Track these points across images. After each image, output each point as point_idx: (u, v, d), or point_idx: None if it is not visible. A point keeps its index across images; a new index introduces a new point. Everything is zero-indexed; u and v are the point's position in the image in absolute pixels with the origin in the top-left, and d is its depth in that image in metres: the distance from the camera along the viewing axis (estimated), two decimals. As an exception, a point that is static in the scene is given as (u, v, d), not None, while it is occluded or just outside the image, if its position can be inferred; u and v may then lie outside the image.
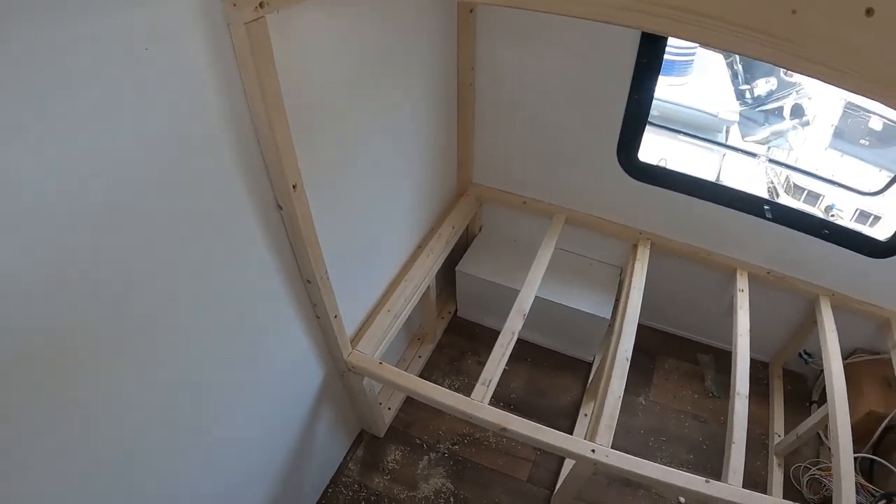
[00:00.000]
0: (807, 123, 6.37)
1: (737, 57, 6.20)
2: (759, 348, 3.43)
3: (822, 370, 2.66)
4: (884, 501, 2.57)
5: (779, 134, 6.34)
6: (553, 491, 2.85)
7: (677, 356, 3.60)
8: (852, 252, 2.77)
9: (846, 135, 6.11)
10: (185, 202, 1.36)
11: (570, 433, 2.47)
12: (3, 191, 0.94)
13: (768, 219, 2.82)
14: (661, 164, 3.57)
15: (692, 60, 5.94)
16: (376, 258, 2.55)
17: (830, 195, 5.46)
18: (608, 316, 3.09)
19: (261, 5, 1.27)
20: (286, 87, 1.45)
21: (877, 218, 5.06)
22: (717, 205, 2.85)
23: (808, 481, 2.91)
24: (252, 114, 1.44)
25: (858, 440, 2.77)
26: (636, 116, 2.68)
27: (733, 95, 6.12)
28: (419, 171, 2.71)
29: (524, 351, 3.49)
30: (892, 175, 4.86)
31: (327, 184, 1.94)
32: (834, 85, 1.11)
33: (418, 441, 3.05)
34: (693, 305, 3.47)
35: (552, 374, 3.42)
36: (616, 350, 2.53)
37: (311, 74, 1.68)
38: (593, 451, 2.14)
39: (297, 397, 2.30)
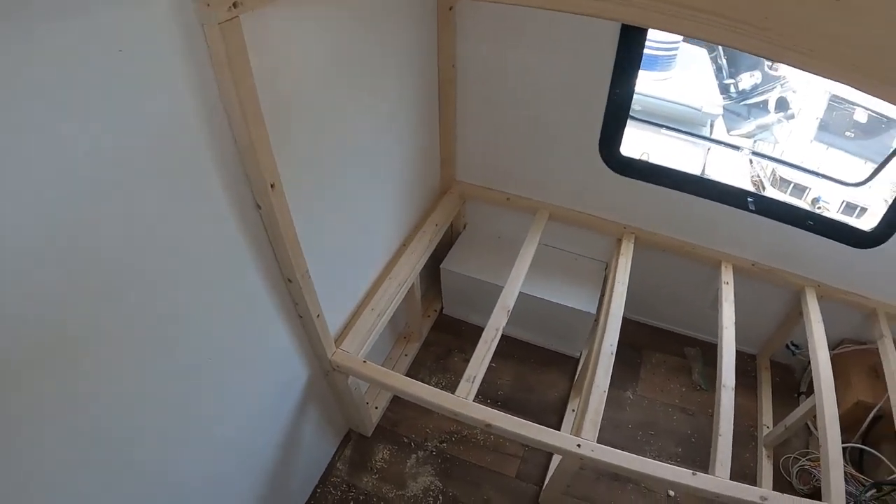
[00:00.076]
0: (792, 117, 6.40)
1: (721, 51, 6.23)
2: (746, 340, 3.44)
3: (810, 361, 2.66)
4: (873, 490, 2.58)
5: (764, 127, 6.37)
6: (542, 487, 2.85)
7: (664, 350, 3.61)
8: (837, 243, 2.78)
9: (831, 127, 6.14)
10: (162, 203, 1.35)
11: (558, 429, 2.47)
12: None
13: (752, 211, 2.82)
14: (644, 158, 3.57)
15: (675, 55, 5.96)
16: (359, 257, 2.54)
17: (817, 188, 5.48)
18: (594, 311, 3.09)
19: (234, 5, 1.26)
20: (262, 86, 1.45)
21: (863, 209, 5.09)
22: (701, 198, 2.86)
23: (797, 472, 2.92)
24: (228, 113, 1.43)
25: (847, 430, 2.78)
26: (617, 111, 2.68)
27: (717, 89, 6.15)
28: (401, 170, 2.71)
29: (511, 348, 3.48)
30: (876, 165, 4.87)
31: (307, 183, 1.93)
32: (806, 70, 1.13)
33: (406, 440, 3.05)
34: (679, 299, 3.48)
35: (539, 371, 3.42)
36: (601, 344, 2.53)
37: (287, 73, 1.67)
38: (579, 445, 2.14)
39: (282, 397, 2.29)
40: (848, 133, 6.09)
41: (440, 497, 2.83)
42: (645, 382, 3.42)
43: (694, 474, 2.10)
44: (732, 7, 1.19)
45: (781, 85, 6.45)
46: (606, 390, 2.35)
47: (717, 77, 6.32)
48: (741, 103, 6.42)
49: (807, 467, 2.89)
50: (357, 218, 2.40)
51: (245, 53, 1.35)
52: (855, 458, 2.83)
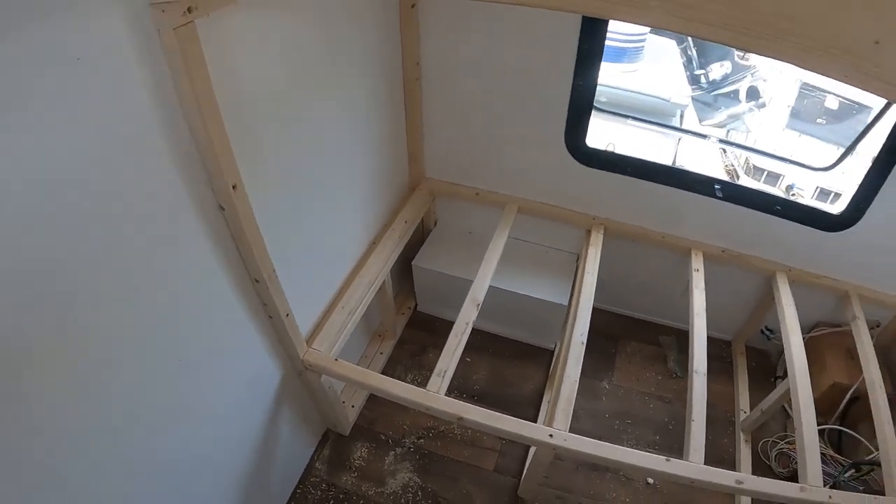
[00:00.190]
0: (763, 105, 6.45)
1: (690, 42, 6.26)
2: (721, 327, 3.48)
3: (784, 345, 2.69)
4: (852, 470, 2.61)
5: (735, 117, 6.42)
6: (520, 479, 2.86)
7: (639, 339, 3.63)
8: (807, 227, 2.82)
9: (803, 115, 6.19)
10: (124, 208, 1.36)
11: (535, 421, 2.47)
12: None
13: (719, 198, 2.85)
14: (610, 149, 3.59)
15: (643, 47, 6.01)
16: (327, 256, 2.54)
17: (790, 175, 5.53)
18: (566, 302, 3.10)
19: (189, 10, 1.27)
20: (221, 88, 1.46)
21: (837, 195, 5.14)
22: (668, 187, 2.89)
23: (776, 455, 2.95)
24: (187, 117, 1.44)
25: (825, 412, 2.82)
26: (581, 103, 2.70)
27: (686, 80, 6.19)
28: (368, 168, 2.71)
29: (486, 342, 3.50)
30: (841, 147, 4.92)
31: (271, 184, 1.93)
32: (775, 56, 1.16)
33: (383, 437, 3.05)
34: (651, 288, 3.51)
35: (514, 364, 3.44)
36: (571, 335, 2.54)
37: (247, 76, 1.68)
38: (551, 435, 2.16)
39: (256, 398, 2.28)
40: (820, 120, 6.15)
41: (419, 493, 2.84)
42: (620, 372, 3.44)
43: (668, 460, 2.12)
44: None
45: (752, 74, 6.49)
46: (577, 380, 2.36)
47: (686, 68, 6.36)
48: (712, 93, 6.46)
49: (785, 450, 2.92)
50: (324, 218, 2.40)
51: (202, 57, 1.36)
52: (834, 440, 2.87)
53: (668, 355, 3.51)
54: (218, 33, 1.46)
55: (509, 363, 3.44)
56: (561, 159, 2.91)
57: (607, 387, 3.35)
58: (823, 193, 5.35)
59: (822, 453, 2.52)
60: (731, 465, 2.98)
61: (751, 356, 3.53)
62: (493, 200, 3.22)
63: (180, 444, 1.85)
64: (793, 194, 5.39)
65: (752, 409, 3.07)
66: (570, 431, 2.18)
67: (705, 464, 2.14)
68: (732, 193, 2.86)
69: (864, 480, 2.62)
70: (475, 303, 2.61)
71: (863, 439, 2.72)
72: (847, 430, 2.81)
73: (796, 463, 2.72)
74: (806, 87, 6.09)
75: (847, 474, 2.61)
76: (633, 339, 3.63)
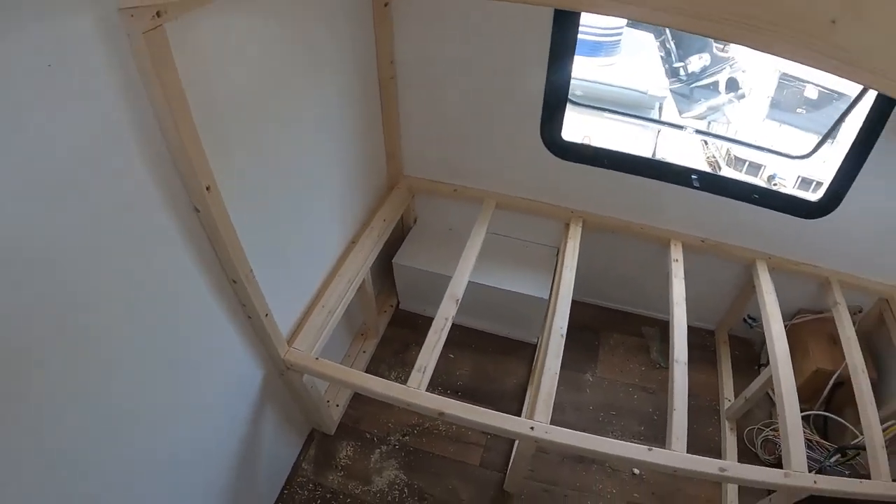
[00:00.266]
0: (742, 96, 6.49)
1: (668, 35, 6.29)
2: (703, 317, 3.51)
3: (767, 333, 2.71)
4: (837, 455, 2.62)
5: (715, 108, 6.45)
6: (506, 474, 2.86)
7: (622, 331, 3.65)
8: (785, 215, 2.84)
9: (783, 105, 6.23)
10: (99, 213, 1.36)
11: (519, 415, 2.48)
12: None
13: (696, 188, 2.86)
14: (586, 142, 3.60)
15: (619, 41, 6.02)
16: (305, 255, 2.54)
17: (772, 165, 5.55)
18: (546, 296, 3.10)
19: (158, 14, 1.27)
20: (193, 91, 1.46)
21: (819, 184, 5.16)
22: (645, 178, 2.91)
23: (762, 443, 2.97)
24: (159, 120, 1.44)
25: (810, 399, 2.84)
26: (556, 97, 2.72)
27: (665, 73, 6.21)
28: (344, 167, 2.71)
29: (469, 338, 3.51)
30: (821, 136, 4.95)
31: (245, 184, 1.93)
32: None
33: (368, 435, 3.05)
34: (632, 279, 3.52)
35: (498, 359, 3.44)
36: (551, 327, 2.55)
37: (220, 78, 1.68)
38: (532, 428, 2.16)
39: (239, 399, 2.28)
40: (799, 110, 6.19)
41: (406, 490, 2.84)
42: (604, 364, 3.45)
43: (650, 450, 2.14)
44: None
45: (731, 66, 6.53)
46: (558, 372, 2.37)
47: (665, 61, 6.39)
48: (692, 85, 6.49)
49: (770, 437, 2.94)
50: (301, 218, 2.40)
51: (171, 61, 1.36)
52: (819, 426, 2.88)
53: (651, 346, 3.53)
54: (188, 36, 1.47)
55: (492, 358, 3.45)
56: (537, 153, 2.92)
57: (591, 379, 3.36)
58: (805, 182, 5.38)
59: (807, 439, 2.54)
60: (718, 453, 2.99)
61: (734, 345, 3.55)
62: (471, 196, 3.23)
63: (163, 446, 1.84)
64: (775, 184, 5.42)
65: (736, 397, 3.08)
66: (555, 425, 2.19)
67: (691, 453, 2.14)
68: (710, 183, 2.88)
69: (851, 465, 2.63)
70: (454, 298, 2.62)
71: (848, 424, 2.74)
72: (832, 416, 2.82)
73: (781, 449, 2.75)
74: (785, 78, 6.14)
75: (833, 459, 2.62)
76: (616, 330, 3.64)
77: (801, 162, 5.11)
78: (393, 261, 3.34)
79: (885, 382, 2.82)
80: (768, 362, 2.57)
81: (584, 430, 2.17)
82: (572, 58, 2.60)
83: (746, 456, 2.97)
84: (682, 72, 6.47)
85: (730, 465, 2.15)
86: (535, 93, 2.71)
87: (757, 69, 6.36)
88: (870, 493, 2.13)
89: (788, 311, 3.09)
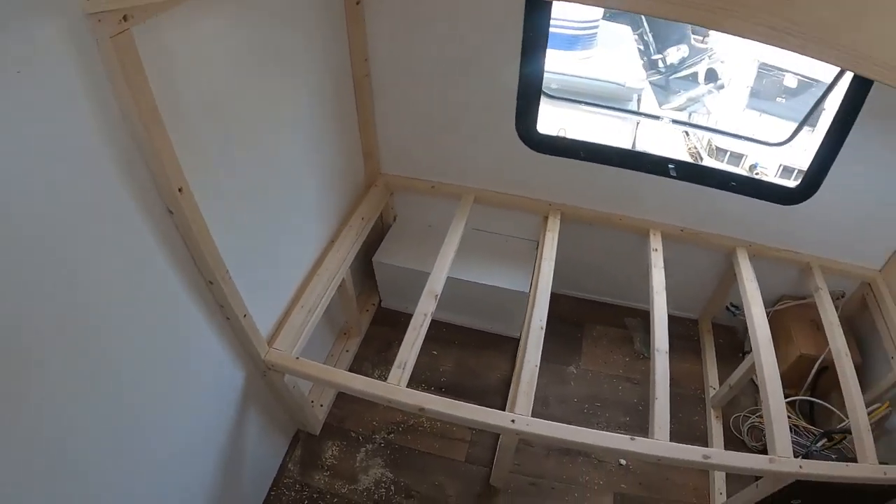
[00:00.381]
0: (722, 87, 6.52)
1: (646, 27, 6.31)
2: (686, 306, 3.52)
3: (749, 320, 2.72)
4: (824, 440, 2.63)
5: (695, 99, 6.48)
6: (492, 468, 2.87)
7: (605, 322, 3.65)
8: (764, 202, 2.85)
9: (763, 94, 6.26)
10: (71, 218, 1.35)
11: (503, 410, 2.48)
12: None
13: (673, 177, 2.87)
14: (561, 134, 3.60)
15: (595, 34, 6.02)
16: (283, 256, 2.53)
17: (754, 154, 5.58)
18: (527, 290, 3.10)
19: (125, 18, 1.27)
20: (163, 94, 1.46)
21: (801, 172, 5.18)
22: (621, 168, 2.92)
23: (748, 429, 2.99)
24: (129, 124, 1.43)
25: (795, 384, 2.87)
26: (530, 90, 2.72)
27: (642, 65, 6.23)
28: (321, 166, 2.70)
29: (451, 334, 3.51)
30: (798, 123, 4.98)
31: (220, 185, 1.93)
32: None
33: (354, 434, 3.04)
34: (613, 270, 3.53)
35: (481, 354, 3.44)
36: (530, 320, 2.55)
37: (190, 79, 1.67)
38: (513, 421, 2.16)
39: (221, 401, 2.27)
40: (779, 99, 6.22)
41: (392, 487, 2.84)
42: (587, 356, 3.46)
43: (633, 439, 2.14)
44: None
45: (709, 56, 6.56)
46: (538, 365, 2.37)
47: (643, 53, 6.41)
48: (671, 77, 6.52)
49: (756, 424, 2.96)
50: (277, 218, 2.39)
51: (139, 64, 1.36)
52: (805, 411, 2.91)
53: (635, 337, 3.53)
54: (156, 40, 1.47)
55: (476, 353, 3.45)
56: (513, 147, 2.92)
57: (575, 371, 3.37)
58: (787, 171, 5.42)
59: (794, 424, 2.56)
60: (704, 441, 2.99)
61: (718, 333, 3.56)
62: (449, 192, 3.23)
63: (144, 448, 1.83)
64: (756, 173, 5.45)
65: (721, 385, 3.09)
66: (540, 418, 2.18)
67: (677, 442, 2.15)
68: (687, 172, 2.89)
69: (838, 449, 2.64)
70: (433, 294, 2.62)
71: (834, 408, 2.76)
72: (818, 401, 2.84)
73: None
74: (764, 67, 6.16)
75: (819, 444, 2.63)
76: (599, 322, 3.65)
77: (782, 150, 5.15)
78: (373, 259, 3.34)
79: (869, 366, 2.84)
80: (752, 349, 2.59)
81: (569, 423, 2.17)
82: (545, 51, 2.60)
83: (733, 443, 2.98)
84: (660, 63, 6.49)
85: (714, 452, 2.16)
86: (509, 87, 2.71)
87: (736, 59, 6.38)
88: (856, 475, 2.14)
89: (771, 297, 3.10)
